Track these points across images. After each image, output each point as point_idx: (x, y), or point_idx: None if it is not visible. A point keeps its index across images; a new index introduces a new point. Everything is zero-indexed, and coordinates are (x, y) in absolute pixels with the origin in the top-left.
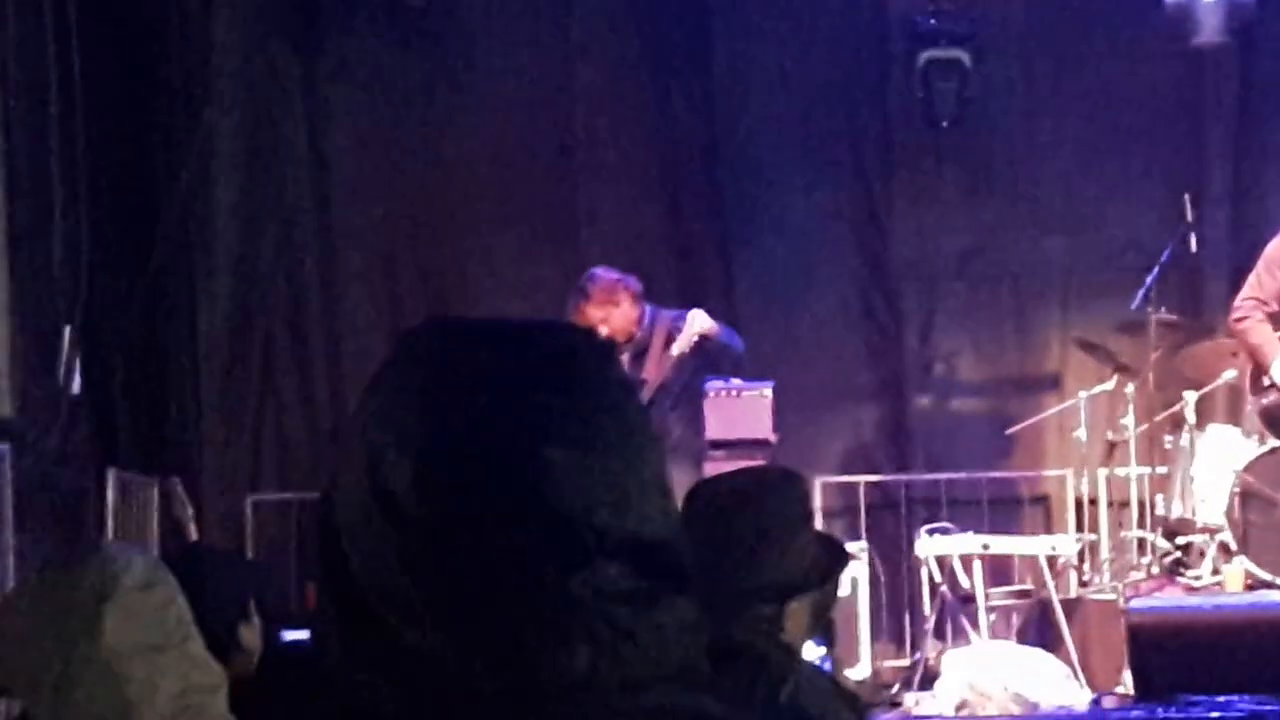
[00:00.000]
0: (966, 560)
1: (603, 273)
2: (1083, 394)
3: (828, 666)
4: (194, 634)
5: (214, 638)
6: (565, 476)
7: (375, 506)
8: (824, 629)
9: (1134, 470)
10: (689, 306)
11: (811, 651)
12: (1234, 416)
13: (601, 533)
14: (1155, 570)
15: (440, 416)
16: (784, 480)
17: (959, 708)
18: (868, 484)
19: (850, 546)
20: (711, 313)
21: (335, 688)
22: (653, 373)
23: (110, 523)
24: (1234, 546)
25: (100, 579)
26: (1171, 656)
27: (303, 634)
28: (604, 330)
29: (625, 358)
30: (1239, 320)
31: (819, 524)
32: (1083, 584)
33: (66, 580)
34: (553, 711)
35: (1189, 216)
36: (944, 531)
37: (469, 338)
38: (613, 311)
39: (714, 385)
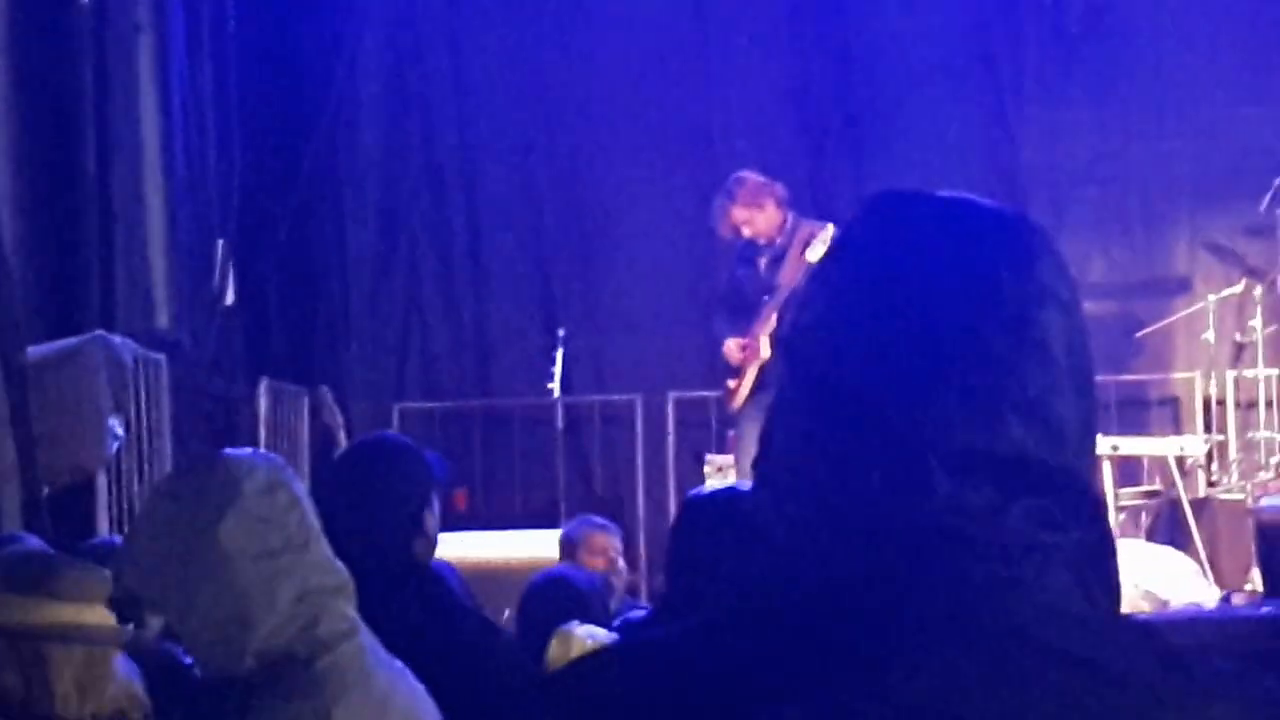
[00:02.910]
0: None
1: (749, 176)
2: (1211, 297)
3: None
4: (317, 537)
5: (401, 522)
6: (941, 386)
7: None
8: None
9: (1262, 371)
10: (821, 213)
11: None
12: None
13: (969, 449)
14: None
15: (859, 301)
16: None
17: None
18: None
19: None
20: (845, 218)
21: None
22: (788, 277)
23: (263, 430)
24: None
25: (221, 485)
26: None
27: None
28: (747, 232)
29: (764, 261)
30: None
31: None
32: (1211, 484)
33: (189, 487)
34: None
35: None
36: None
37: (911, 222)
38: (757, 215)
39: None
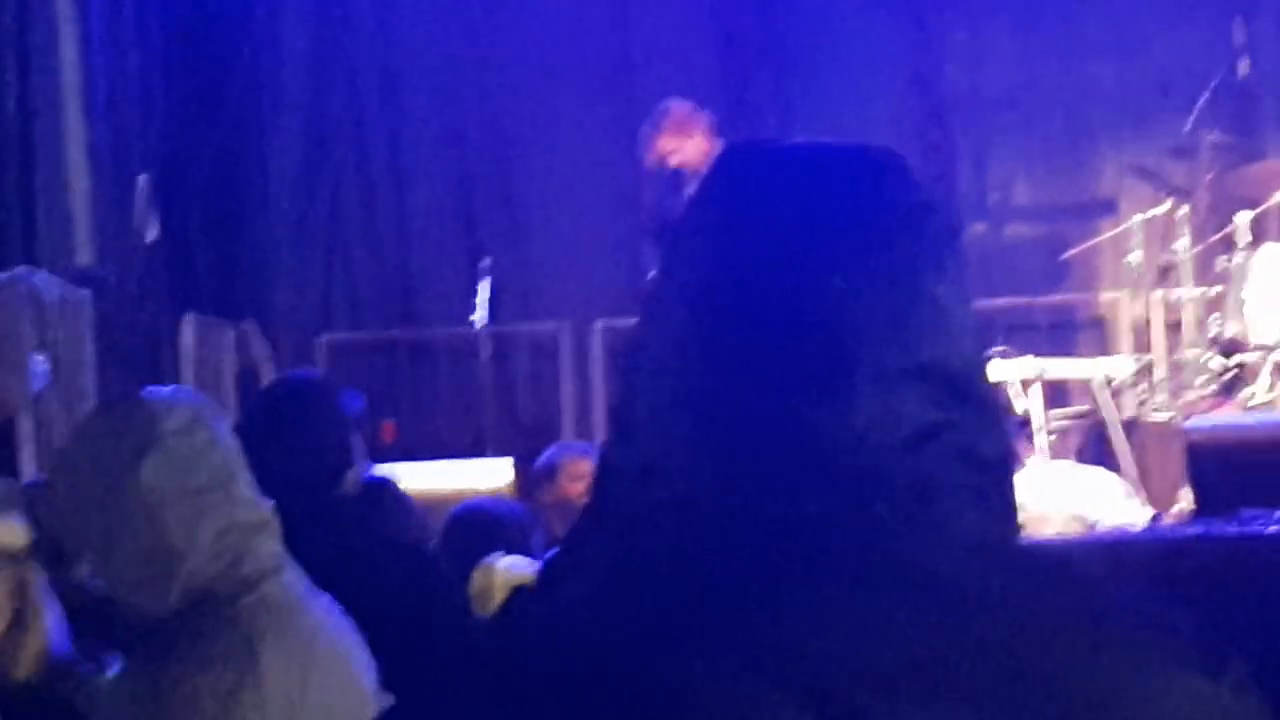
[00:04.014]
0: (1024, 384)
1: (677, 105)
2: (1137, 217)
3: None
4: (240, 474)
5: (330, 457)
6: (847, 308)
7: (663, 327)
8: None
9: (1188, 292)
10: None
11: None
12: None
13: (885, 365)
14: (1211, 389)
15: (728, 243)
16: None
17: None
18: None
19: None
20: None
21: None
22: None
23: (188, 365)
24: None
25: (141, 425)
26: (1229, 473)
27: (379, 466)
28: (674, 162)
29: (692, 190)
30: None
31: None
32: (1140, 404)
33: (110, 428)
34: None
35: (1240, 39)
36: (1002, 356)
37: (769, 161)
38: (685, 143)
39: None
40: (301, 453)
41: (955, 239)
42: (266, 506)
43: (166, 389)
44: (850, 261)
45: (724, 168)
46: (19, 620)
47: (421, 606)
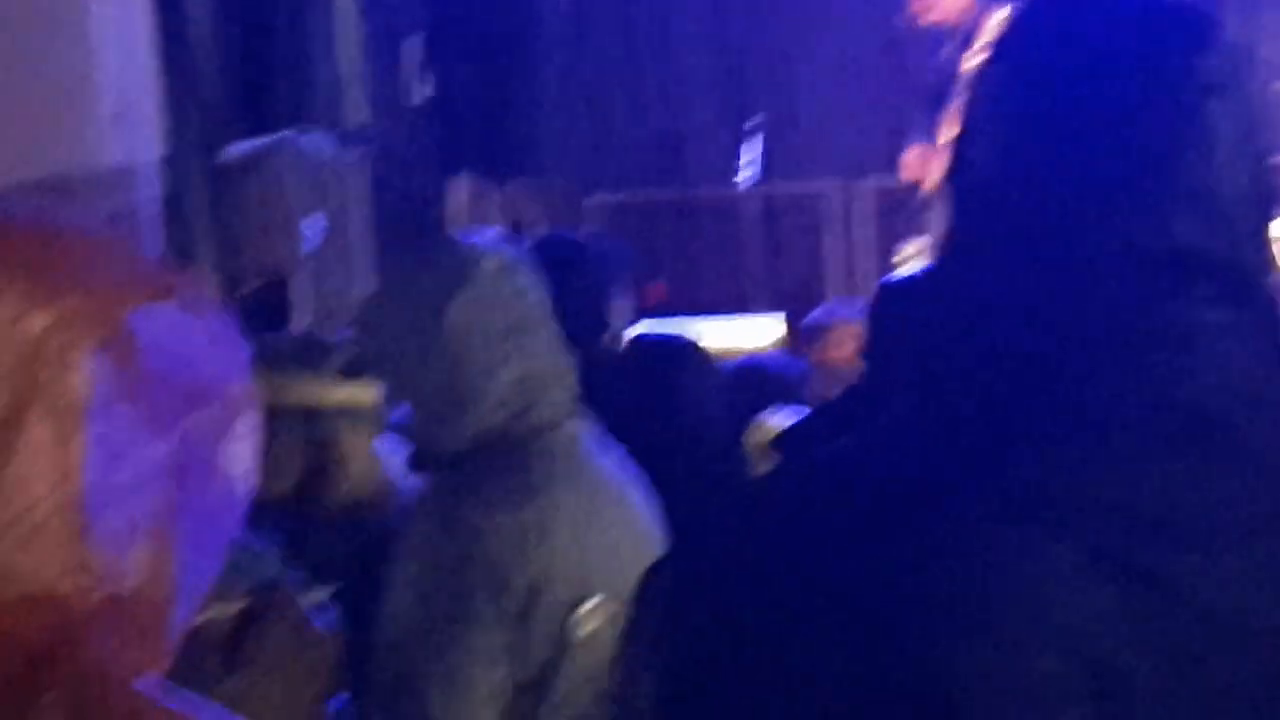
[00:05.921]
0: None
1: None
2: None
3: None
4: (546, 321)
5: (588, 314)
6: (1127, 175)
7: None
8: None
9: None
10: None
11: None
12: None
13: (1147, 243)
14: None
15: (1024, 89)
16: None
17: None
18: None
19: None
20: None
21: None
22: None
23: (459, 226)
24: None
25: (457, 264)
26: None
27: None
28: (930, 17)
29: (954, 44)
30: None
31: None
32: None
33: (427, 264)
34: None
35: None
36: None
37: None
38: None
39: None
40: (561, 313)
41: (1250, 101)
42: (566, 359)
43: (487, 233)
44: (1143, 132)
45: (1035, 8)
46: (321, 470)
47: (683, 464)
